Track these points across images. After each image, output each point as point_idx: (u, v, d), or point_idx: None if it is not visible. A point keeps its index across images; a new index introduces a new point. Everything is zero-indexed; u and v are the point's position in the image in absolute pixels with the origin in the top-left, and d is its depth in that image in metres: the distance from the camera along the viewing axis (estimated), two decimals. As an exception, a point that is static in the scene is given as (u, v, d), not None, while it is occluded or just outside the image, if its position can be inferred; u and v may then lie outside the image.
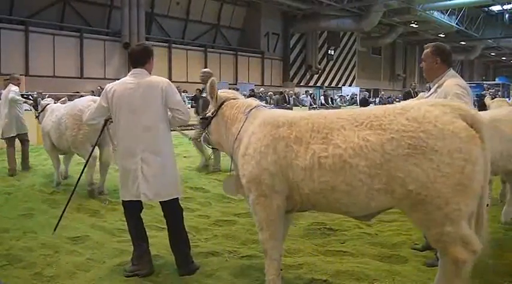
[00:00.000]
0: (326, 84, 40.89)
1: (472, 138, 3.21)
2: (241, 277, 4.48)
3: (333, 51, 40.95)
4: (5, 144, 10.53)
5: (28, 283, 4.34)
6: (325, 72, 41.08)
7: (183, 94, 21.86)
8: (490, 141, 5.25)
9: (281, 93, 28.73)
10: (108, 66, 26.60)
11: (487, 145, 3.30)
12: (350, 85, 42.29)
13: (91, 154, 6.40)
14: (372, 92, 42.75)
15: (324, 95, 32.83)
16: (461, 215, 3.24)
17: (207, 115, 4.52)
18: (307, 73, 39.46)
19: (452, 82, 4.41)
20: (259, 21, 35.13)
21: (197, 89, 22.64)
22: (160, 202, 4.72)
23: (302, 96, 30.51)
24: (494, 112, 6.16)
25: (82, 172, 5.77)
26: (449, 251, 3.28)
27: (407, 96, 17.81)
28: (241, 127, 4.11)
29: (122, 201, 4.73)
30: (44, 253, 5.12)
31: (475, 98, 32.50)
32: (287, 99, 27.32)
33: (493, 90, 32.56)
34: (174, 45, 30.49)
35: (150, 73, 4.75)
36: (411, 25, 40.61)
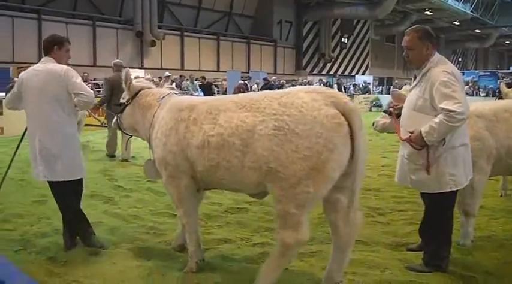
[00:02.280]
0: (339, 72, 40.65)
1: (336, 125, 3.40)
2: (254, 264, 4.49)
3: (346, 39, 40.68)
4: None
5: (42, 268, 4.38)
6: (338, 61, 40.84)
7: (195, 82, 21.83)
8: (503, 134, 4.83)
9: (293, 80, 28.59)
10: (120, 54, 26.62)
11: (359, 134, 3.47)
12: (363, 74, 42.02)
13: None
14: (385, 81, 42.45)
15: (337, 84, 32.60)
16: (308, 199, 3.47)
17: (121, 101, 4.93)
18: (320, 62, 39.26)
19: (438, 69, 4.00)
20: (272, 9, 34.94)
21: (202, 77, 22.80)
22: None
23: (315, 85, 30.30)
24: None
25: (15, 154, 5.35)
26: (281, 232, 3.56)
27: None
28: (155, 113, 4.45)
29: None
30: (57, 238, 5.15)
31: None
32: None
33: (508, 79, 32.13)
34: (186, 33, 30.45)
35: (61, 62, 4.89)
36: (425, 12, 40.15)
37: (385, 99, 25.07)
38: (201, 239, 4.58)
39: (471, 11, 39.11)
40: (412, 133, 4.03)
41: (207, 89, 21.03)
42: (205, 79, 22.47)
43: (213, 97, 4.47)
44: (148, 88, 4.83)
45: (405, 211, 6.24)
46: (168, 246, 4.96)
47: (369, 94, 31.83)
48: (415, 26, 4.35)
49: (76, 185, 4.98)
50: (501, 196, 7.08)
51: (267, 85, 23.71)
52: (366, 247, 4.94)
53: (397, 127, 4.38)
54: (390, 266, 4.39)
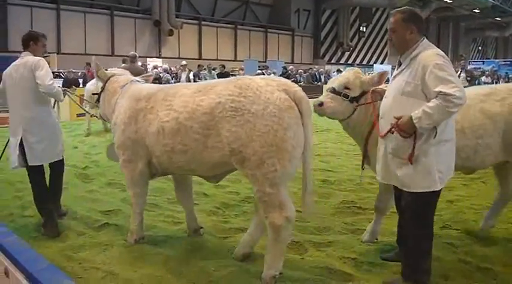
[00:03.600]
0: (357, 61, 40.36)
1: (287, 108, 3.61)
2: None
3: (364, 27, 40.34)
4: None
5: (59, 254, 4.44)
6: (357, 50, 40.55)
7: (213, 71, 21.82)
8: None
9: (309, 69, 28.39)
10: (138, 43, 26.75)
11: (308, 120, 3.68)
12: (382, 63, 41.60)
13: None
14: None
15: (355, 73, 32.33)
16: (278, 177, 3.60)
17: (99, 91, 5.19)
18: (339, 51, 39.00)
19: (430, 52, 3.62)
20: (290, -3, 34.75)
21: (221, 65, 22.82)
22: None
23: (333, 74, 30.13)
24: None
25: (6, 145, 5.56)
26: (268, 216, 3.67)
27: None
28: (117, 100, 4.70)
29: (26, 167, 5.19)
30: (75, 225, 5.23)
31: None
32: (316, 77, 27.04)
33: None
34: (204, 22, 30.47)
35: (37, 56, 5.14)
36: (445, 0, 39.55)
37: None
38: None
39: (492, -1, 38.49)
40: (398, 119, 3.54)
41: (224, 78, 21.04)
42: (224, 67, 22.43)
43: (171, 84, 4.62)
44: (120, 74, 5.09)
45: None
46: (184, 234, 5.00)
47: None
48: (402, 8, 3.89)
49: (58, 165, 5.43)
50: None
51: (285, 74, 23.65)
52: (383, 237, 4.92)
53: (375, 119, 4.10)
54: (407, 257, 4.36)
